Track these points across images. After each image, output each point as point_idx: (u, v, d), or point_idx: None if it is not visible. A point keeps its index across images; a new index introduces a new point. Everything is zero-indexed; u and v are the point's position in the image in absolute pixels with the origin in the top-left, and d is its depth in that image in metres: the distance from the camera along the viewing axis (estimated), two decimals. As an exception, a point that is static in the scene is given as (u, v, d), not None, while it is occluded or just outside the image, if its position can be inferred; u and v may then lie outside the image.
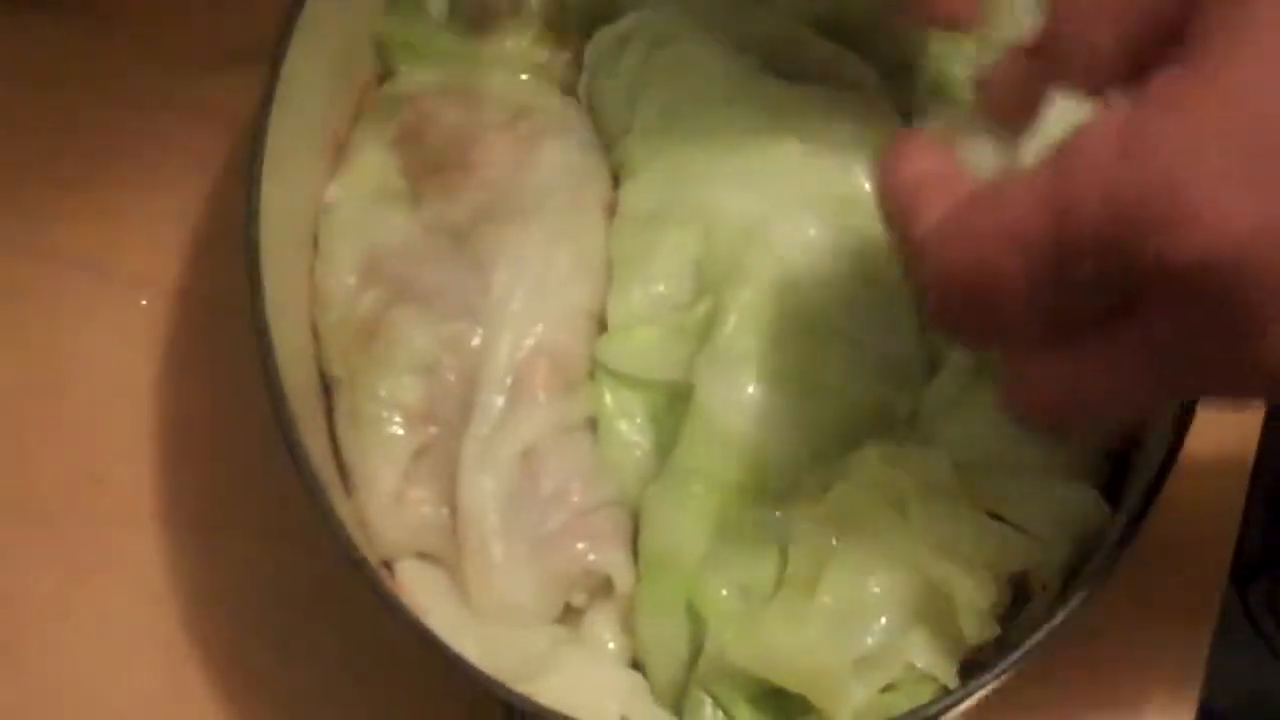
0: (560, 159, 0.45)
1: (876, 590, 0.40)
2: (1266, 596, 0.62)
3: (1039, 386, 0.35)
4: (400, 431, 0.43)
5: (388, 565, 0.43)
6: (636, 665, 0.43)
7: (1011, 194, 0.33)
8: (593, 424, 0.44)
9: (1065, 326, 0.34)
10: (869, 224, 0.44)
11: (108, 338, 0.50)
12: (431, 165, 0.45)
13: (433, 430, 0.43)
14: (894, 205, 0.36)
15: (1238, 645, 0.62)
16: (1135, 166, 0.31)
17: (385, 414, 0.43)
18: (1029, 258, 0.32)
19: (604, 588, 0.43)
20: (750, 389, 0.41)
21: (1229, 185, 0.31)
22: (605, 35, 0.47)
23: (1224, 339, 0.32)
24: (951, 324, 0.35)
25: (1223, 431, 0.48)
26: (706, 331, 0.42)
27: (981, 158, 0.38)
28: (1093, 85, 0.35)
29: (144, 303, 0.51)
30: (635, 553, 0.43)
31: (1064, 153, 0.32)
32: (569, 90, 0.48)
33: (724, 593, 0.41)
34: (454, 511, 0.42)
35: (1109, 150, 0.32)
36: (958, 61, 0.45)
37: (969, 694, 0.39)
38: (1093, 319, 0.34)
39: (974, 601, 0.40)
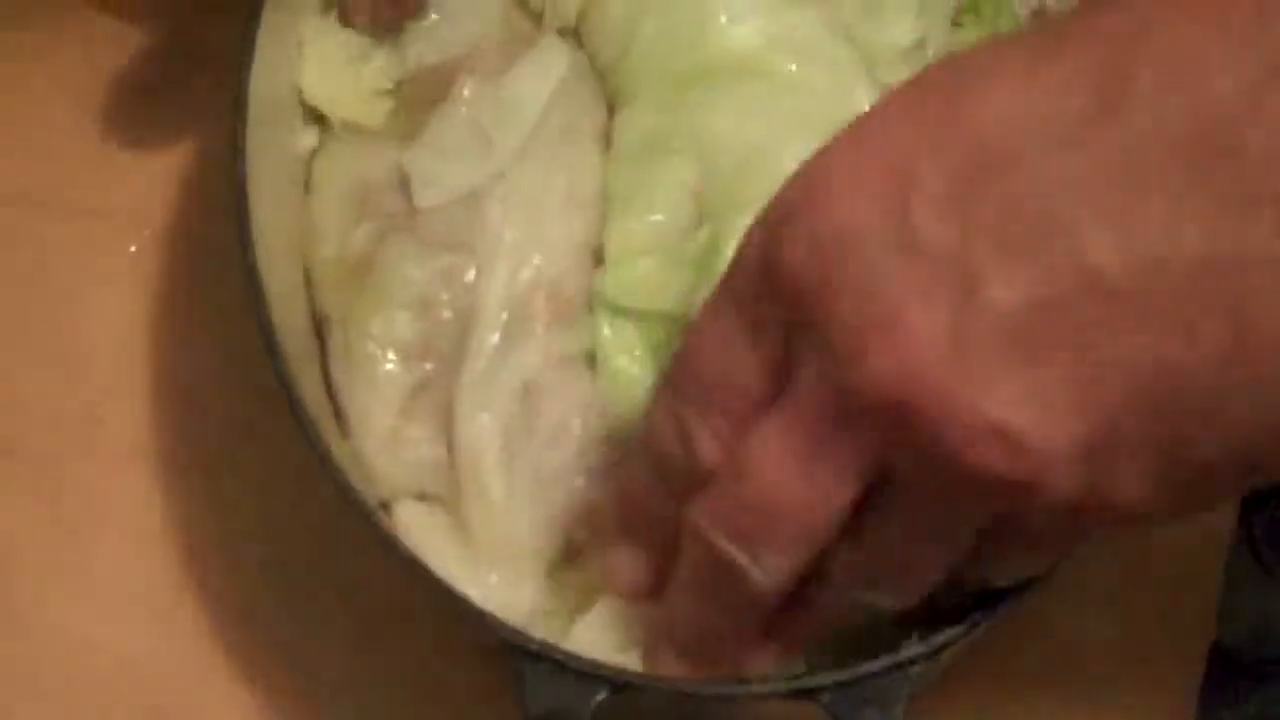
0: (553, 88, 0.44)
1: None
2: (1270, 526, 0.62)
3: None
4: (395, 369, 0.42)
5: (386, 507, 0.43)
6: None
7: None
8: (592, 358, 0.43)
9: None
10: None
11: (100, 284, 0.50)
12: (423, 97, 0.44)
13: (429, 367, 0.42)
14: None
15: (1242, 577, 0.61)
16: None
17: (380, 351, 0.42)
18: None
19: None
20: (752, 318, 0.41)
21: None
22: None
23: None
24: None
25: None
26: (707, 261, 0.42)
27: None
28: None
29: (133, 249, 0.50)
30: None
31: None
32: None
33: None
34: (452, 450, 0.41)
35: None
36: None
37: (972, 629, 0.38)
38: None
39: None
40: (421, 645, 0.46)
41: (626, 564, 0.38)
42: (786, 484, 0.33)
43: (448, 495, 0.42)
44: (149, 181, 0.50)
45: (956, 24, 0.46)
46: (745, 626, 0.37)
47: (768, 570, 0.34)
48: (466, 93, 0.44)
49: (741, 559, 0.34)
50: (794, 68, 0.44)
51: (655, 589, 0.38)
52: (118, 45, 0.51)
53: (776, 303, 0.33)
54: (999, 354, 0.30)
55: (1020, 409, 0.30)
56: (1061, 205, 0.31)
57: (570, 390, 0.42)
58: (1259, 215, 0.30)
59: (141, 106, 0.51)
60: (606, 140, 0.45)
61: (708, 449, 0.34)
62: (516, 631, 0.38)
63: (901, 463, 0.32)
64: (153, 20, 0.51)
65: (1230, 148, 0.30)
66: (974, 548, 0.34)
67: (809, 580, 0.35)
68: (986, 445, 0.31)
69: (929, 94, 0.33)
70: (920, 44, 0.45)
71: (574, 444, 0.42)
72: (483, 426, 0.41)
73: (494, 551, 0.41)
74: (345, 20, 0.45)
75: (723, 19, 0.44)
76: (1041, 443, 0.31)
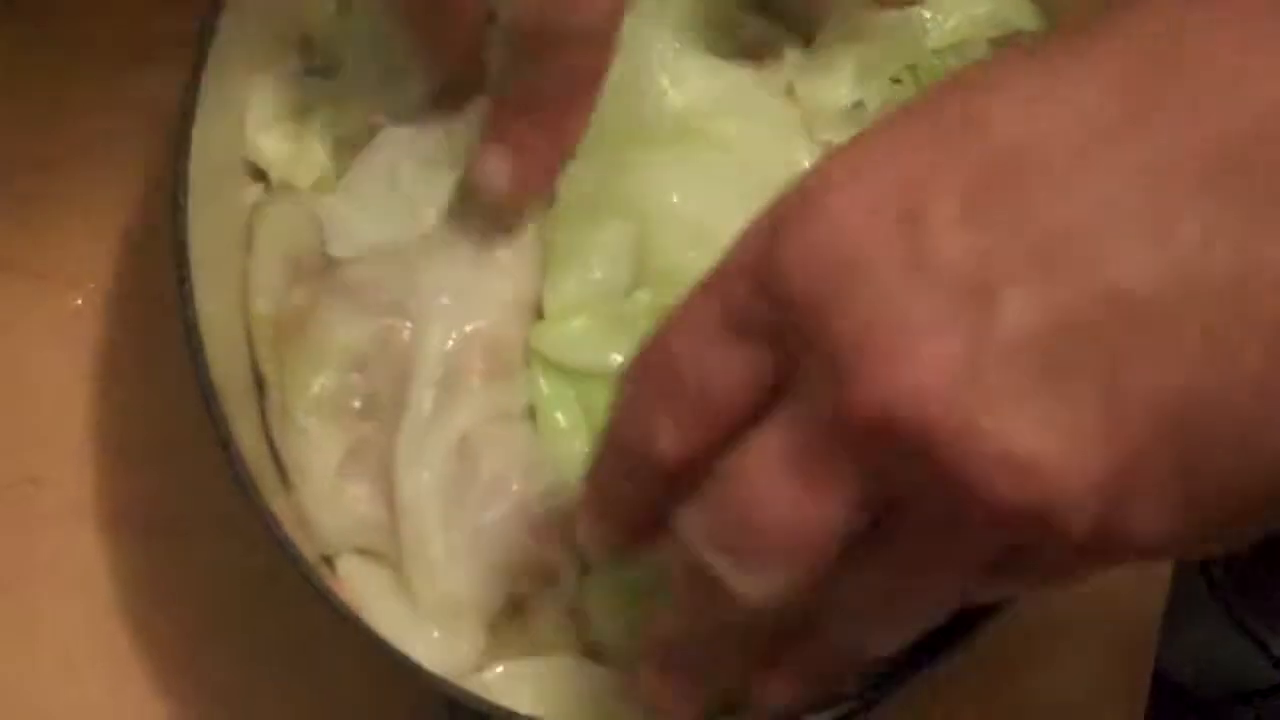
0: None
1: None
2: (1227, 565, 0.63)
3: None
4: (333, 429, 0.42)
5: (329, 561, 0.43)
6: (585, 653, 0.43)
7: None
8: (531, 413, 0.43)
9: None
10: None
11: (43, 340, 0.50)
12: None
13: (366, 426, 0.42)
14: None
15: (1199, 615, 0.62)
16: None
17: (316, 412, 0.42)
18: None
19: (548, 578, 0.43)
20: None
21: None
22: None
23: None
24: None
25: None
26: (648, 323, 0.41)
27: None
28: None
29: (79, 303, 0.50)
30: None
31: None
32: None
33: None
34: (392, 507, 0.41)
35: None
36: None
37: (915, 672, 0.39)
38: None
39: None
40: (366, 699, 0.46)
41: (595, 537, 0.36)
42: (778, 503, 0.30)
43: (389, 551, 0.42)
44: (93, 237, 0.51)
45: (895, 80, 0.46)
46: (739, 650, 0.34)
47: (757, 588, 0.31)
48: (384, 142, 0.44)
49: (729, 574, 0.31)
50: (735, 128, 0.44)
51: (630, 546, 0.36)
52: (57, 97, 0.51)
53: (770, 306, 0.30)
54: (1018, 379, 0.28)
55: (1041, 437, 0.28)
56: (1086, 222, 0.29)
57: (508, 445, 0.42)
58: None
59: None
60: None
61: (668, 446, 0.32)
62: (455, 687, 0.38)
63: (908, 491, 0.30)
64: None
65: (1265, 162, 0.28)
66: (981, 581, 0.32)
67: (810, 609, 0.33)
68: (1002, 474, 0.28)
69: (942, 106, 0.31)
70: (859, 105, 0.45)
71: (513, 498, 0.42)
72: (422, 483, 0.41)
73: (436, 607, 0.41)
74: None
75: (664, 81, 0.44)
76: (1062, 473, 0.29)
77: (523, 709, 0.39)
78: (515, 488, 0.42)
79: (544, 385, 0.43)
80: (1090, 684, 0.47)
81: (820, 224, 0.30)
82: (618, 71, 0.44)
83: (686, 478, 0.32)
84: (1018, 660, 0.47)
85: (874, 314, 0.29)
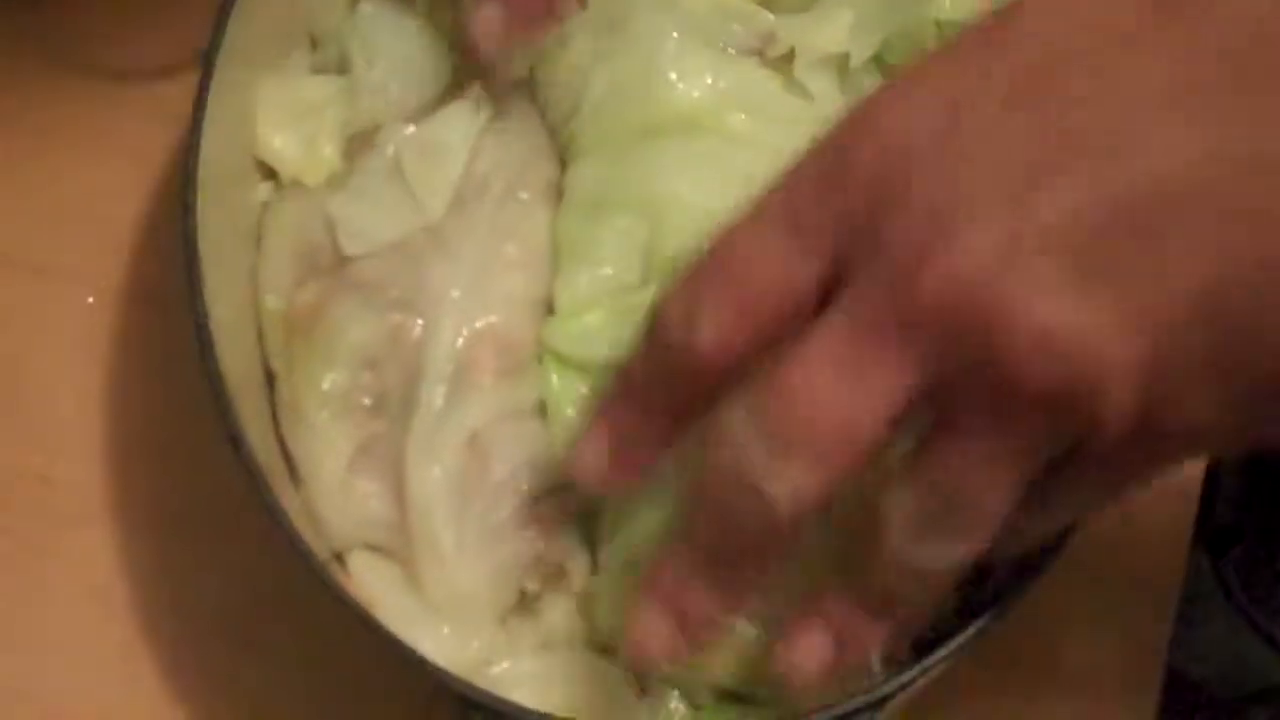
0: (500, 145, 0.44)
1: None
2: (1238, 565, 0.62)
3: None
4: (343, 425, 0.42)
5: (340, 558, 0.43)
6: (595, 649, 0.43)
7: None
8: (542, 409, 0.43)
9: None
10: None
11: (54, 337, 0.50)
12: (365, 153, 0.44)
13: (377, 423, 0.42)
14: None
15: (1211, 615, 0.62)
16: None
17: (327, 409, 0.42)
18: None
19: (558, 574, 0.43)
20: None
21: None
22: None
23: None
24: None
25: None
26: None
27: None
28: None
29: (90, 300, 0.50)
30: (589, 536, 0.42)
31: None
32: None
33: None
34: (403, 503, 0.41)
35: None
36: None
37: (925, 670, 0.38)
38: None
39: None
40: (377, 695, 0.46)
41: (590, 449, 0.36)
42: (826, 390, 0.31)
43: (399, 548, 0.42)
44: (105, 234, 0.51)
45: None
46: (756, 569, 0.34)
47: (792, 483, 0.32)
48: (387, 138, 0.44)
49: (764, 467, 0.32)
50: (743, 121, 0.44)
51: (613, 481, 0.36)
52: (70, 95, 0.52)
53: (836, 207, 0.32)
54: (1059, 262, 0.30)
55: (1078, 320, 0.30)
56: (1118, 109, 0.30)
57: (519, 442, 0.42)
58: None
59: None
60: (557, 194, 0.45)
61: (708, 334, 0.33)
62: (465, 683, 0.38)
63: (957, 378, 0.31)
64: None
65: (1266, 61, 0.30)
66: (1038, 483, 0.32)
67: (864, 547, 0.34)
68: (1039, 355, 0.30)
69: (983, 23, 0.33)
70: (844, 60, 0.45)
71: (524, 495, 0.42)
72: (432, 479, 0.41)
73: (446, 603, 0.42)
74: (464, 54, 0.43)
75: (672, 75, 0.44)
76: (1097, 355, 0.30)
77: (532, 705, 0.39)
78: (525, 485, 0.42)
79: (556, 381, 0.43)
80: (1101, 676, 0.47)
81: (884, 126, 0.32)
82: (626, 66, 0.45)
83: (718, 382, 0.33)
84: (1027, 652, 0.47)
85: (925, 203, 0.31)
